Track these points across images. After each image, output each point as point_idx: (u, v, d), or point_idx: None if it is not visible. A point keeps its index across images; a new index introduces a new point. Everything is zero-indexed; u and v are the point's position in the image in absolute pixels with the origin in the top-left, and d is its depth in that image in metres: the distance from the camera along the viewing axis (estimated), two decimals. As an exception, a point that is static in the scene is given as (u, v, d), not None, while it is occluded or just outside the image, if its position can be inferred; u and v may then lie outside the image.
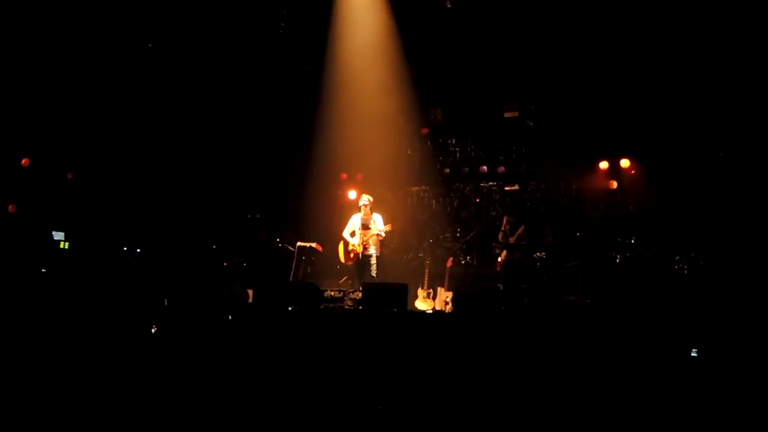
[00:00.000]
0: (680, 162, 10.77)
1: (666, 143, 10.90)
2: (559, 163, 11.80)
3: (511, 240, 9.85)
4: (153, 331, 6.80)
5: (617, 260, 10.11)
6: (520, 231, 9.76)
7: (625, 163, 11.32)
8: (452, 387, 5.53)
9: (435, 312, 9.54)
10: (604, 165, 11.48)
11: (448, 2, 10.37)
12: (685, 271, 9.91)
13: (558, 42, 10.78)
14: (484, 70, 11.60)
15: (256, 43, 11.54)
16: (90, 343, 6.52)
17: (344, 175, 12.59)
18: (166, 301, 7.68)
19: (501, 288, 9.68)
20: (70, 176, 11.70)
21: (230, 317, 7.16)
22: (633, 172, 11.35)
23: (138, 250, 11.49)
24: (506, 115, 11.90)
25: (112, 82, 11.45)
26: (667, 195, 10.82)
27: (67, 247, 10.89)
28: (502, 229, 10.09)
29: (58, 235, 10.80)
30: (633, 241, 10.49)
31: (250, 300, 9.18)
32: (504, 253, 9.90)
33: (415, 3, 10.76)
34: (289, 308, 7.61)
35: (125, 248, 11.40)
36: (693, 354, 5.91)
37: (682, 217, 10.52)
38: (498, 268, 10.04)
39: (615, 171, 11.45)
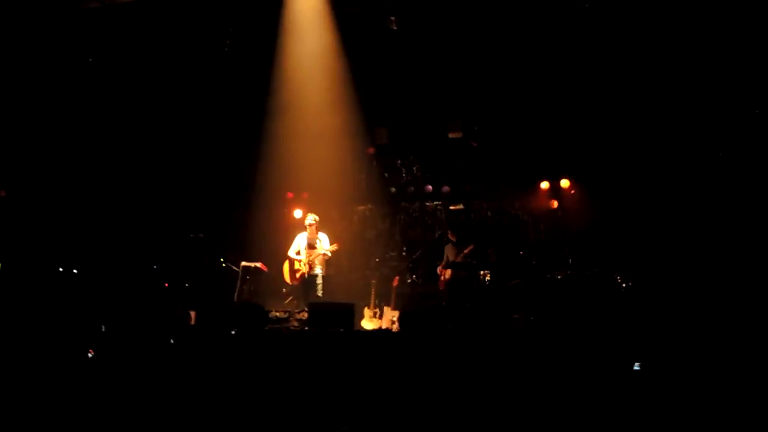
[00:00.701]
0: (616, 182, 11.13)
1: (602, 164, 11.25)
2: (502, 183, 12.02)
3: (458, 259, 9.91)
4: (90, 355, 6.57)
5: (559, 278, 10.31)
6: (467, 250, 9.82)
7: (564, 183, 11.62)
8: (401, 406, 5.53)
9: (381, 330, 9.54)
10: (545, 185, 11.75)
11: (393, 24, 10.49)
12: (624, 287, 10.20)
13: (500, 64, 11.04)
14: (429, 92, 11.76)
15: (199, 61, 11.41)
16: (24, 368, 6.25)
17: (290, 194, 12.49)
18: (103, 327, 7.41)
19: (446, 306, 9.74)
20: (2, 194, 11.26)
21: (172, 341, 6.96)
22: (572, 192, 11.66)
23: (74, 270, 11.12)
24: (450, 135, 12.05)
25: (46, 97, 11.12)
26: (605, 214, 11.15)
27: (-1, 268, 10.47)
28: (445, 256, 10.16)
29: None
30: (573, 259, 10.72)
31: (193, 322, 8.97)
32: (448, 271, 9.97)
33: (361, 24, 10.86)
34: (232, 332, 7.45)
35: (61, 269, 11.01)
36: (636, 368, 6.07)
37: (620, 234, 10.84)
38: (441, 287, 10.11)
39: (555, 191, 11.73)
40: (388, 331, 9.48)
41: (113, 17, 10.48)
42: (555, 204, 11.74)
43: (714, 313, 7.95)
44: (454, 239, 10.15)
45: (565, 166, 11.59)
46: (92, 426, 5.09)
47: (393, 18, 10.50)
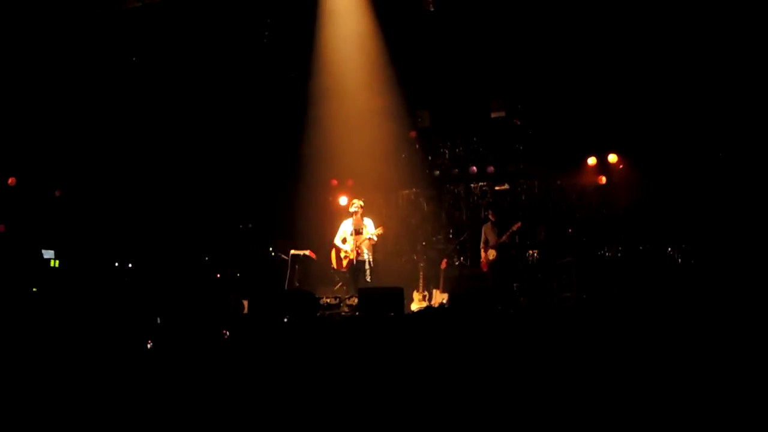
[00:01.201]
0: (666, 155, 10.85)
1: (650, 137, 10.98)
2: (547, 161, 11.84)
3: (502, 239, 9.79)
4: (149, 346, 6.74)
5: (610, 255, 10.13)
6: (515, 228, 9.68)
7: (612, 158, 11.37)
8: (455, 388, 5.52)
9: (431, 308, 9.53)
10: (592, 161, 11.53)
11: (431, 5, 10.38)
12: (678, 262, 9.97)
13: (542, 40, 10.82)
14: (469, 71, 11.63)
15: (241, 53, 11.52)
16: (85, 361, 6.46)
17: (335, 181, 12.56)
18: (158, 319, 7.58)
19: (494, 287, 9.68)
20: (58, 194, 11.62)
21: (226, 333, 7.04)
22: (621, 166, 11.41)
23: (129, 265, 11.42)
24: (493, 115, 11.91)
25: (97, 95, 11.39)
26: (655, 188, 10.89)
27: (57, 265, 10.81)
28: (483, 239, 10.08)
29: (48, 254, 10.71)
30: (624, 235, 10.51)
31: (246, 311, 9.14)
32: (492, 252, 9.87)
33: (398, 7, 10.78)
34: (285, 319, 7.54)
35: (116, 264, 11.32)
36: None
37: (671, 209, 10.58)
38: (484, 269, 10.02)
39: (603, 166, 11.50)
40: (441, 306, 9.45)
41: (155, 15, 10.66)
42: (603, 180, 11.52)
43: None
44: (494, 219, 10.06)
45: (612, 141, 11.34)
46: (152, 411, 5.22)
47: (430, -1, 10.39)
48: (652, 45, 10.26)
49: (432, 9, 10.43)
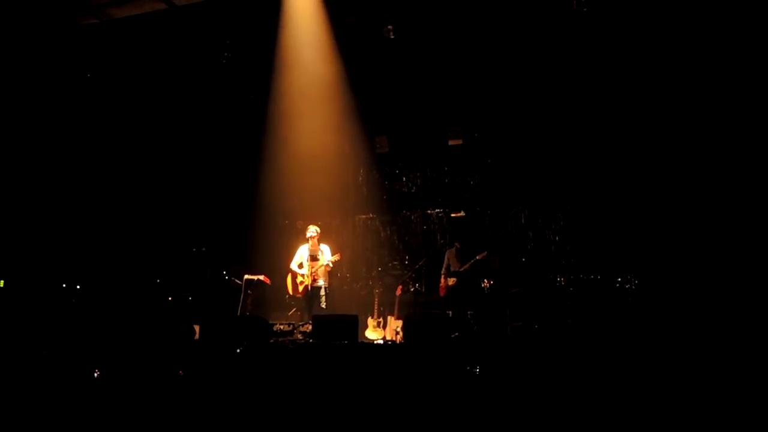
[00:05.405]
0: (619, 185, 11.11)
1: (603, 169, 11.23)
2: (503, 189, 11.99)
3: (466, 266, 9.83)
4: (96, 375, 6.56)
5: (562, 284, 10.29)
6: (480, 257, 9.74)
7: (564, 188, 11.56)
8: (406, 418, 5.52)
9: (386, 342, 9.54)
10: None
11: (391, 33, 10.51)
12: (627, 292, 10.17)
13: (499, 71, 11.05)
14: (428, 99, 11.77)
15: (200, 73, 11.46)
16: (30, 389, 6.25)
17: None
18: (108, 343, 7.40)
19: (450, 314, 9.72)
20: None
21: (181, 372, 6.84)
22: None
23: (78, 286, 11.13)
24: (450, 143, 12.04)
25: (47, 113, 11.17)
26: (607, 219, 11.11)
27: (1, 285, 10.50)
28: (446, 264, 10.14)
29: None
30: (577, 265, 10.68)
31: (197, 336, 8.98)
32: (451, 279, 9.93)
33: (358, 33, 10.89)
34: (238, 350, 7.42)
35: (64, 285, 11.02)
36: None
37: (623, 239, 10.80)
38: (442, 294, 10.07)
39: (557, 195, 11.67)
40: (392, 342, 9.48)
41: (111, 33, 10.54)
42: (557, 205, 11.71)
43: (716, 315, 7.98)
44: (459, 246, 10.13)
45: (566, 172, 11.55)
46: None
47: (390, 27, 10.52)
48: (602, 75, 10.57)
49: (392, 37, 10.57)
